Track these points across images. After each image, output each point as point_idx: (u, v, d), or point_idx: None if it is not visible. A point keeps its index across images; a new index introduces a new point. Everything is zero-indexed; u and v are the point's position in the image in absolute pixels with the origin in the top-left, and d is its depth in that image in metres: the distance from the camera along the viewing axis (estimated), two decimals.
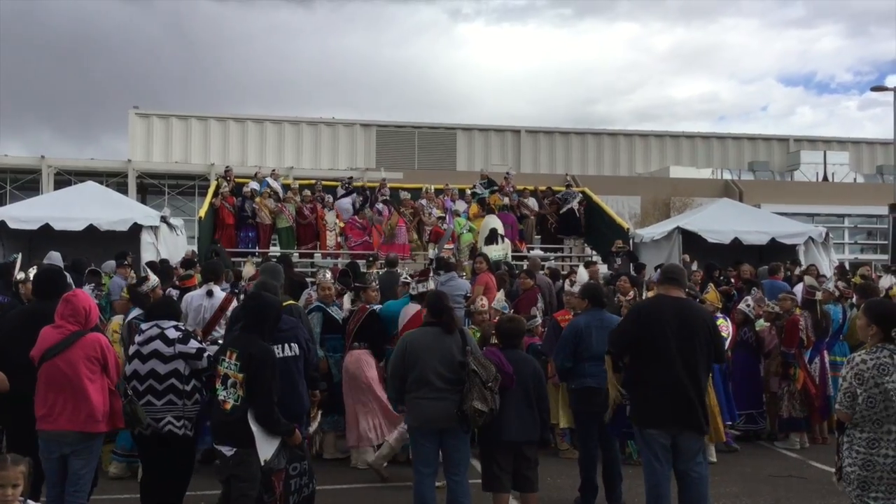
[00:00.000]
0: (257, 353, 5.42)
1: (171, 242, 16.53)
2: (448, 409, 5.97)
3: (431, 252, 17.45)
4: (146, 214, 16.43)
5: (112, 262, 13.07)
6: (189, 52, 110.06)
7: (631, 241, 18.44)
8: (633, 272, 14.20)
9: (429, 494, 6.16)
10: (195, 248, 17.57)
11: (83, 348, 5.60)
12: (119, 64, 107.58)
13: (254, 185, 19.28)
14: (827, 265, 16.80)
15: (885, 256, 25.41)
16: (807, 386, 9.83)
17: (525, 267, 13.68)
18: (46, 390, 5.60)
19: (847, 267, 17.43)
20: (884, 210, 28.45)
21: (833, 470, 5.18)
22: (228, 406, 5.38)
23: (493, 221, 17.33)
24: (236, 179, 19.92)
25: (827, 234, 18.58)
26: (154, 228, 15.82)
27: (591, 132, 54.15)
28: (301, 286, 11.12)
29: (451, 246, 17.27)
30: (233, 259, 16.62)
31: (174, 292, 9.15)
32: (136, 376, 5.91)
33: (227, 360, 5.43)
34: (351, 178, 22.27)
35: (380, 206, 18.59)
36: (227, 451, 5.41)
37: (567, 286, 9.34)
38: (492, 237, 16.93)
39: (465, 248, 17.27)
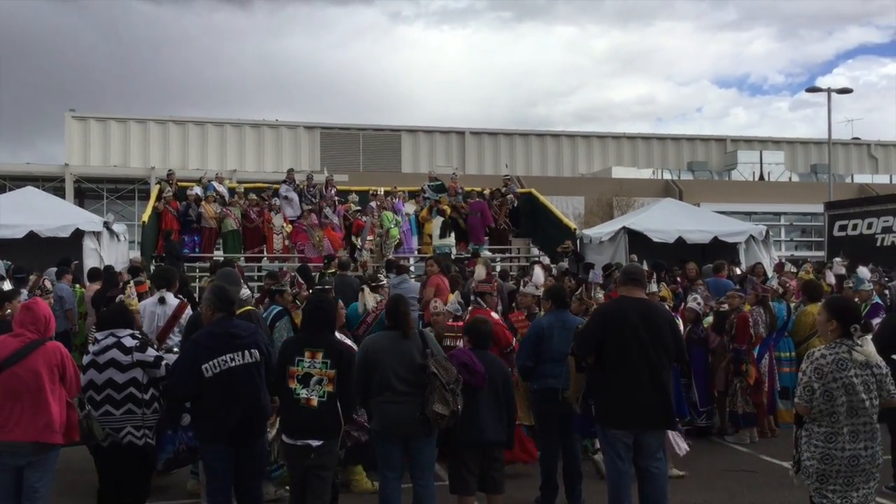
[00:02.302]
0: (346, 351, 5.88)
1: (112, 249, 16.22)
2: (410, 412, 5.97)
3: (357, 242, 17.80)
4: (88, 220, 16.08)
5: (53, 270, 12.77)
6: (126, 54, 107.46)
7: (578, 242, 18.70)
8: (580, 272, 14.42)
9: (394, 498, 6.16)
10: (138, 253, 17.25)
11: (44, 356, 5.52)
12: (53, 66, 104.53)
13: (198, 190, 19.01)
14: (767, 263, 17.21)
15: (821, 253, 26.10)
16: (759, 381, 10.05)
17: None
18: (3, 399, 5.46)
19: (784, 263, 17.85)
20: (819, 208, 29.22)
21: (789, 464, 5.29)
22: (314, 402, 5.67)
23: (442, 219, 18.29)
24: (179, 183, 19.62)
25: (767, 233, 19.07)
26: (97, 234, 15.50)
27: (534, 133, 54.41)
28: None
29: (372, 237, 17.71)
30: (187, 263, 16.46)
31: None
32: (93, 386, 5.77)
33: (307, 360, 5.71)
34: (291, 168, 21.89)
35: (327, 211, 18.57)
36: (315, 442, 5.69)
37: (521, 287, 9.36)
38: (443, 233, 18.00)
39: (392, 243, 17.70)
